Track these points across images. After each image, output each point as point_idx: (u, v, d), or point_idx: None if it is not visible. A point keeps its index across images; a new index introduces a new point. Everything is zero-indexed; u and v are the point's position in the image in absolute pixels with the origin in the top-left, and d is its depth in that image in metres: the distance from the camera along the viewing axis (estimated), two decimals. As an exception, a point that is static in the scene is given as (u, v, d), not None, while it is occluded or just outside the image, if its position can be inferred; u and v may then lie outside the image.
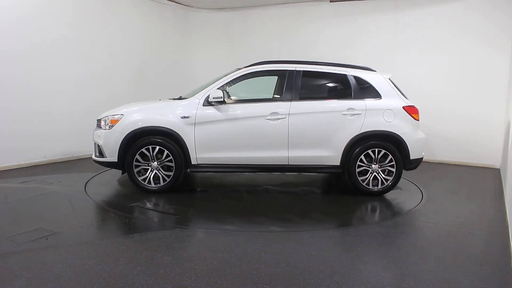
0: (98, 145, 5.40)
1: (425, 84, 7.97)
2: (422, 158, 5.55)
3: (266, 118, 5.28)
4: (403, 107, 5.40)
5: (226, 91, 5.91)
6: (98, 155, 5.46)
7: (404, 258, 3.55)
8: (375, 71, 5.62)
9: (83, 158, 7.49)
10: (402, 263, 3.44)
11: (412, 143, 5.35)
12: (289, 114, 5.28)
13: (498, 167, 7.50)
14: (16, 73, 6.42)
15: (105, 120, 5.40)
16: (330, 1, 8.76)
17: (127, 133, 5.21)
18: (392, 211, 4.99)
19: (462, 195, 5.77)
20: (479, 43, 7.57)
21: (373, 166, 5.34)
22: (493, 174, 7.09)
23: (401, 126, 5.33)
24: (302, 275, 3.14)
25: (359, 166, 5.33)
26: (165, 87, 9.09)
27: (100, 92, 7.81)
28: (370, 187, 5.37)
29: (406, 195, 5.64)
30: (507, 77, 7.36)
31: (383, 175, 5.36)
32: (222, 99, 5.22)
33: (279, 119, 5.27)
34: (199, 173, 6.65)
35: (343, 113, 5.31)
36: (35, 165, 6.72)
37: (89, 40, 7.56)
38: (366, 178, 5.36)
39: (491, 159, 7.63)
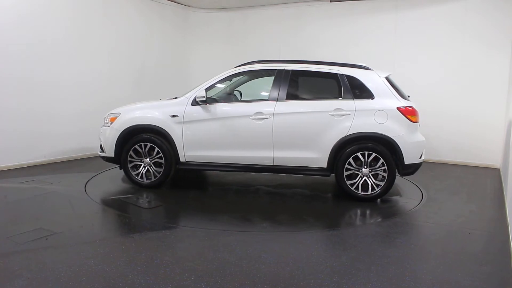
0: (100, 141, 5.75)
1: (424, 84, 7.96)
2: (420, 163, 5.23)
3: (251, 118, 5.25)
4: (398, 108, 5.07)
5: (239, 91, 5.96)
6: (100, 150, 5.78)
7: (404, 258, 3.55)
8: (371, 69, 5.35)
9: (83, 158, 7.49)
10: (402, 263, 3.44)
11: (407, 146, 5.03)
12: (273, 114, 5.20)
13: (498, 167, 7.50)
14: (16, 73, 6.42)
15: (107, 118, 5.76)
16: (330, 1, 8.76)
17: (122, 130, 5.51)
18: (392, 211, 4.99)
19: (462, 195, 5.77)
20: (479, 44, 7.57)
21: (363, 170, 5.09)
22: (493, 174, 7.09)
23: (394, 128, 5.02)
24: (302, 275, 3.14)
25: (348, 170, 5.11)
26: (165, 86, 9.09)
27: (100, 92, 7.80)
28: (359, 192, 5.12)
29: (406, 195, 5.64)
30: (507, 77, 7.36)
31: (374, 180, 5.09)
32: (204, 99, 5.30)
33: (263, 119, 5.21)
34: (197, 171, 6.66)
35: (330, 113, 5.11)
36: (35, 165, 6.72)
37: (89, 40, 7.56)
38: (355, 182, 5.12)
39: (491, 159, 7.63)
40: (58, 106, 7.10)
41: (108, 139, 5.59)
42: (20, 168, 6.52)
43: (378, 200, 5.21)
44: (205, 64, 9.80)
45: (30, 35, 6.56)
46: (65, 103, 7.21)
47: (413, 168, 5.19)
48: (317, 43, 8.89)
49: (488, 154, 7.64)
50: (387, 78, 5.30)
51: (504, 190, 5.79)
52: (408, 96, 5.56)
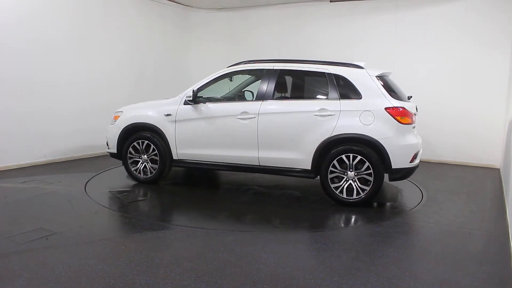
0: (107, 138, 6.07)
1: (425, 84, 7.96)
2: (412, 167, 4.94)
3: (237, 117, 5.26)
4: (386, 109, 4.78)
5: (250, 91, 6.03)
6: (107, 146, 6.09)
7: (404, 258, 3.55)
8: (362, 68, 5.10)
9: (83, 158, 7.49)
10: (402, 263, 3.44)
11: (395, 150, 4.73)
12: (258, 113, 5.17)
13: (498, 167, 7.50)
14: (16, 73, 6.41)
15: (112, 116, 6.09)
16: (330, 1, 8.75)
17: (123, 127, 5.81)
18: (392, 211, 4.99)
19: (462, 195, 5.76)
20: (479, 44, 7.56)
21: (349, 173, 4.85)
22: (493, 174, 7.09)
23: (380, 130, 4.75)
24: (302, 275, 3.14)
25: (332, 172, 4.91)
26: (165, 86, 9.08)
27: (100, 92, 7.80)
28: (344, 196, 4.89)
29: (406, 195, 5.64)
30: (507, 77, 7.36)
31: (359, 184, 4.83)
32: (191, 98, 5.44)
33: (249, 118, 5.20)
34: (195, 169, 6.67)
35: (314, 114, 4.95)
36: (35, 165, 6.71)
37: (89, 40, 7.55)
38: (340, 185, 4.90)
39: (491, 159, 7.62)
40: (58, 106, 7.10)
41: (111, 136, 5.91)
42: (20, 168, 6.51)
43: (379, 199, 5.21)
44: (205, 64, 9.78)
45: (30, 35, 6.56)
46: (65, 103, 7.20)
47: (402, 173, 4.88)
48: (317, 43, 8.89)
49: (488, 154, 7.64)
50: (379, 77, 5.04)
51: (504, 190, 5.79)
52: (410, 97, 5.50)
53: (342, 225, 4.54)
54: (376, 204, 5.15)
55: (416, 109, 5.44)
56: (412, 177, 6.11)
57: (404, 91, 5.55)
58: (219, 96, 5.95)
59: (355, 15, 8.59)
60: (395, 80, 5.62)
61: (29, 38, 6.54)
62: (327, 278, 3.08)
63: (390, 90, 5.06)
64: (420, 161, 5.37)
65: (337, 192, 4.93)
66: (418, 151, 5.04)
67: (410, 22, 8.10)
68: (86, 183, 5.75)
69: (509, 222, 4.30)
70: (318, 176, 5.08)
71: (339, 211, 4.88)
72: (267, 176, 6.36)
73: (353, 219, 4.71)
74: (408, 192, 5.76)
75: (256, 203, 5.19)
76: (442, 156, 8.03)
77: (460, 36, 7.71)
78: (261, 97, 5.28)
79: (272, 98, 5.25)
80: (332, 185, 4.94)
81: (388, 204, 5.25)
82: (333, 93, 5.03)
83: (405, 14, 8.15)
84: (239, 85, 6.20)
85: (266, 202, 5.25)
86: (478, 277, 3.18)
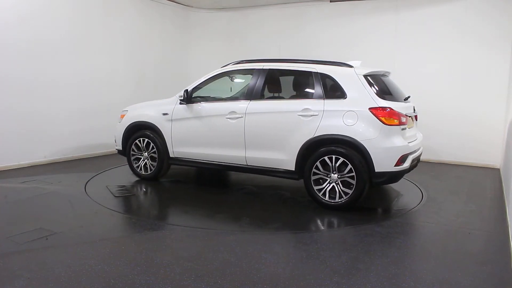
0: (115, 136, 6.33)
1: (425, 84, 7.96)
2: (399, 172, 4.65)
3: (226, 117, 5.30)
4: (370, 109, 4.58)
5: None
6: (115, 143, 6.34)
7: (404, 258, 3.55)
8: (351, 67, 4.95)
9: (83, 158, 7.49)
10: (402, 263, 3.44)
11: (378, 152, 4.50)
12: (245, 113, 5.19)
13: (498, 167, 7.50)
14: (16, 73, 6.41)
15: (120, 115, 6.33)
16: (330, 1, 8.75)
17: (126, 126, 6.09)
18: (392, 211, 4.99)
19: (462, 195, 5.76)
20: (479, 44, 7.56)
21: (332, 175, 4.69)
22: (493, 174, 7.09)
23: (363, 131, 4.56)
24: (302, 275, 3.14)
25: (316, 174, 4.77)
26: (166, 86, 9.09)
27: (100, 92, 7.80)
28: (326, 198, 4.74)
29: (406, 195, 5.64)
30: (507, 77, 7.36)
31: (342, 187, 4.66)
32: (183, 98, 5.58)
33: (236, 118, 5.22)
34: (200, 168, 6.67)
35: (298, 113, 4.87)
36: (35, 165, 6.72)
37: (89, 40, 7.55)
38: (323, 188, 4.74)
39: (491, 159, 7.62)
40: (58, 106, 7.10)
41: (118, 134, 6.19)
42: (20, 168, 6.51)
43: (379, 198, 5.20)
44: (205, 64, 9.76)
45: (30, 35, 6.56)
46: (65, 103, 7.20)
47: (386, 177, 4.62)
48: (317, 43, 8.88)
49: (488, 154, 7.63)
50: (369, 76, 4.88)
51: (504, 190, 5.79)
52: (408, 97, 5.47)
53: (342, 225, 4.54)
54: (376, 205, 5.15)
55: (414, 109, 5.41)
56: (412, 177, 6.14)
57: (404, 91, 5.51)
58: (222, 96, 5.96)
59: (355, 15, 8.59)
60: (395, 80, 5.61)
61: (29, 38, 6.54)
62: (327, 278, 3.08)
63: (382, 90, 4.91)
64: (419, 161, 5.38)
65: (319, 194, 4.78)
66: (407, 154, 4.72)
67: (410, 22, 8.10)
68: (86, 183, 5.75)
69: (509, 222, 4.30)
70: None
71: (339, 212, 4.88)
72: (266, 176, 6.38)
73: (352, 219, 4.70)
74: (408, 192, 5.75)
75: (254, 203, 5.19)
76: (442, 156, 8.03)
77: (460, 36, 7.70)
78: (249, 96, 5.30)
79: (260, 98, 5.25)
80: (316, 187, 4.80)
81: (388, 204, 5.25)
82: (318, 93, 4.92)
83: (405, 14, 8.15)
84: (246, 85, 6.17)
85: (266, 202, 5.26)
86: (478, 277, 3.18)
